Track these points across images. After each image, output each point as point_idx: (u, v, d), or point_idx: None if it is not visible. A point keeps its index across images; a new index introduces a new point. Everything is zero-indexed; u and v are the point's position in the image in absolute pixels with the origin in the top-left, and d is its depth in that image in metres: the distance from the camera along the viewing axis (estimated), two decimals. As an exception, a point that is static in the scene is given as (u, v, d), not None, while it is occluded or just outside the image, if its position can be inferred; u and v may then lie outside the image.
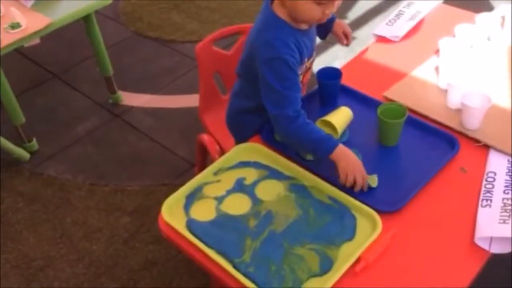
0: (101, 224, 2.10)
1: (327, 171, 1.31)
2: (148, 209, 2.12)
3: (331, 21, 1.55)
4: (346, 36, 1.58)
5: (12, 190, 2.27)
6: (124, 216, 2.12)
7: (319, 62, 1.61)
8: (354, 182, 1.25)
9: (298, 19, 1.31)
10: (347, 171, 1.24)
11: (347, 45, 1.60)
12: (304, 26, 1.36)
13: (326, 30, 1.57)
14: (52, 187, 2.28)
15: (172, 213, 1.26)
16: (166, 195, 1.30)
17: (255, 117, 1.49)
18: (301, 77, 1.40)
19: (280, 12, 1.32)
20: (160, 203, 1.27)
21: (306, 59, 1.40)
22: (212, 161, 1.77)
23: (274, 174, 1.33)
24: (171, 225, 1.23)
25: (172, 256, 1.92)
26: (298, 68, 1.34)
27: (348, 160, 1.26)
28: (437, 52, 1.66)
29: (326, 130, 1.38)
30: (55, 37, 2.58)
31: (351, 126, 1.42)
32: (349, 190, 1.26)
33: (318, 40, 1.52)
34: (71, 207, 2.18)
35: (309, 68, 1.48)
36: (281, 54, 1.28)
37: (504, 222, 1.14)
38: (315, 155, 1.30)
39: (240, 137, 1.57)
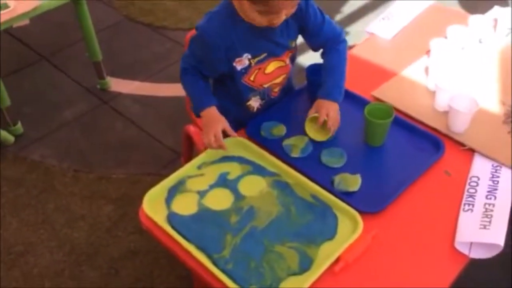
0: (84, 211, 2.08)
1: (312, 169, 1.30)
2: (132, 198, 2.10)
3: (319, 94, 1.39)
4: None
5: (-5, 173, 2.25)
6: (107, 204, 2.10)
7: (309, 58, 1.58)
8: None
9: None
10: (203, 134, 1.33)
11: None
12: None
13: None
14: (36, 171, 2.26)
15: (153, 205, 1.24)
16: (151, 185, 1.29)
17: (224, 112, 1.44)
18: (250, 76, 1.38)
19: (236, 3, 1.28)
20: (144, 193, 1.26)
21: (246, 54, 1.34)
22: (198, 152, 1.76)
23: (257, 169, 1.32)
24: (151, 218, 1.22)
25: (153, 246, 1.91)
26: (233, 60, 1.34)
27: (207, 123, 1.34)
28: (428, 52, 1.65)
29: (316, 128, 1.36)
30: (44, 18, 2.52)
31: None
32: (333, 189, 1.25)
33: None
34: (55, 193, 2.16)
35: (260, 69, 1.38)
36: (204, 28, 1.32)
37: (485, 227, 1.14)
38: (192, 108, 1.42)
39: None
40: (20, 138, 2.41)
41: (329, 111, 1.34)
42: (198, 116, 1.38)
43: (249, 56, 1.35)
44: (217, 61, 1.35)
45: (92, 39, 2.49)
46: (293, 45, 1.42)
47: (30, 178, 2.23)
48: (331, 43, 1.43)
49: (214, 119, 1.34)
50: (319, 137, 1.38)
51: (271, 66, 1.40)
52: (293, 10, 1.27)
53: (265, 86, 1.44)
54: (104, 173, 2.23)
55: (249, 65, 1.37)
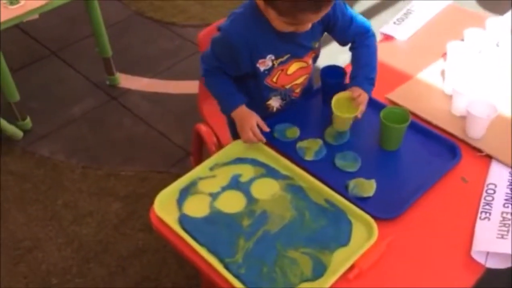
0: (92, 208, 2.07)
1: (325, 173, 1.28)
2: (140, 195, 2.09)
3: (352, 82, 1.39)
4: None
5: (3, 168, 2.24)
6: (116, 201, 2.09)
7: (324, 56, 1.55)
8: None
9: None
10: (241, 132, 1.35)
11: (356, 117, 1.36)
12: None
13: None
14: (44, 167, 2.25)
15: (164, 206, 1.23)
16: (160, 183, 1.29)
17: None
18: (273, 77, 1.37)
19: (261, 6, 1.26)
20: (153, 190, 1.25)
21: (270, 56, 1.33)
22: (209, 152, 1.74)
23: (271, 172, 1.31)
24: (163, 219, 1.20)
25: (162, 245, 1.90)
26: (256, 61, 1.33)
27: (240, 121, 1.35)
28: (444, 55, 1.63)
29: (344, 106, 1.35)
30: (54, 12, 2.51)
31: (352, 128, 1.39)
32: (347, 194, 1.23)
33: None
34: (63, 189, 2.15)
35: (283, 70, 1.37)
36: (228, 29, 1.30)
37: (502, 237, 1.12)
38: (221, 109, 1.42)
39: (235, 130, 1.55)
40: (29, 133, 2.40)
41: (361, 93, 1.34)
42: (228, 115, 1.41)
43: (273, 57, 1.34)
44: (241, 62, 1.34)
45: (102, 35, 2.47)
46: (317, 45, 1.41)
47: (38, 174, 2.22)
48: (359, 38, 1.42)
49: (246, 115, 1.36)
50: (345, 113, 1.34)
51: (293, 67, 1.39)
52: (319, 18, 1.25)
53: (287, 87, 1.42)
54: (112, 169, 2.22)
55: (272, 66, 1.36)
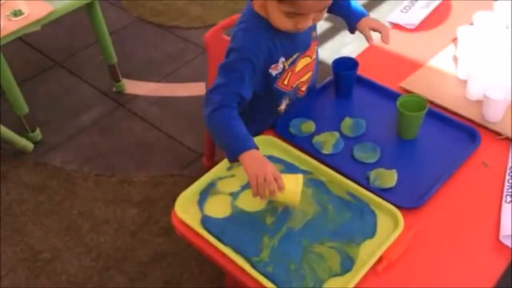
0: (108, 216, 2.07)
1: (345, 165, 1.27)
2: (155, 200, 2.08)
3: (357, 17, 1.43)
4: (379, 33, 1.40)
5: (17, 181, 2.24)
6: (131, 207, 2.08)
7: (326, 50, 1.54)
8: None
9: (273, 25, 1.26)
10: (256, 171, 1.12)
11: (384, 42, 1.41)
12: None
13: (351, 27, 1.45)
14: (57, 178, 2.25)
15: (185, 209, 1.22)
16: (174, 186, 1.27)
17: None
18: (284, 80, 1.36)
19: (261, 10, 1.26)
20: (168, 194, 1.24)
21: (281, 59, 1.32)
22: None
23: (290, 168, 1.29)
24: (185, 222, 1.19)
25: (181, 248, 1.90)
26: (269, 67, 1.30)
27: (254, 163, 1.14)
28: (454, 40, 1.61)
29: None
30: (56, 22, 2.51)
31: (368, 118, 1.38)
32: (369, 186, 1.22)
33: (324, 26, 1.44)
34: (77, 199, 2.15)
35: (292, 70, 1.36)
36: (241, 46, 1.26)
37: (530, 219, 1.11)
38: (226, 149, 1.20)
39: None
40: (39, 144, 2.40)
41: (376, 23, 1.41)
42: (235, 159, 1.18)
43: (283, 60, 1.33)
44: (258, 73, 1.29)
45: (106, 42, 2.47)
46: (315, 35, 1.40)
47: (52, 185, 2.22)
48: None
49: (263, 159, 1.15)
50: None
51: (300, 64, 1.38)
52: (322, 16, 1.23)
53: (293, 86, 1.41)
54: (125, 176, 2.22)
55: (283, 69, 1.34)
